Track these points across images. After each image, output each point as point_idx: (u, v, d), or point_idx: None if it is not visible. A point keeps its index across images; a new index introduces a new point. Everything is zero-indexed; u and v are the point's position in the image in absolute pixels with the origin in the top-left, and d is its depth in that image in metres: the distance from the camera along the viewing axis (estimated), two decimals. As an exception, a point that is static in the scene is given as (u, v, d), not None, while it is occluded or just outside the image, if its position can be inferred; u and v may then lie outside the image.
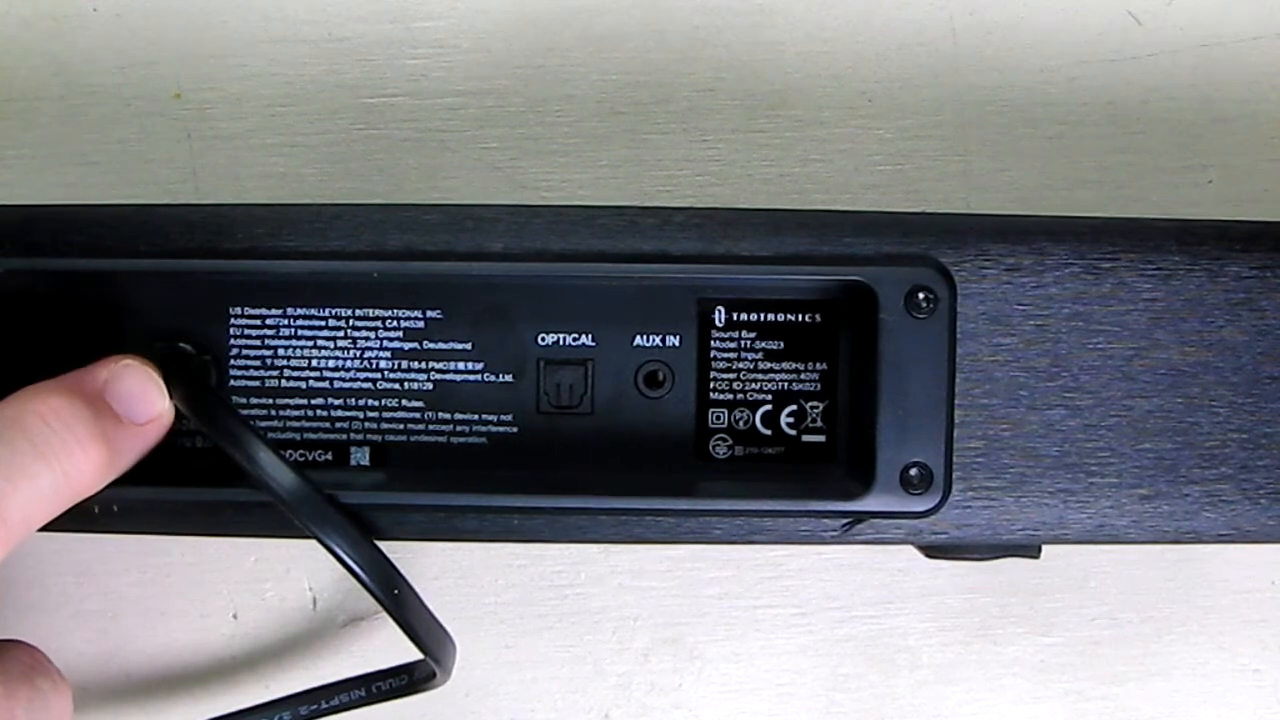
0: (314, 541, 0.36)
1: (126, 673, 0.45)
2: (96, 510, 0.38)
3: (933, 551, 0.39)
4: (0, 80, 0.45)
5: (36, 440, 0.34)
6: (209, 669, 0.45)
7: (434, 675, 0.39)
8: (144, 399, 0.36)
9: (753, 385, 0.40)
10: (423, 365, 0.39)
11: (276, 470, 0.36)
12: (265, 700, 0.40)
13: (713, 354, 0.40)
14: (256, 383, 0.39)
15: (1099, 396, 0.39)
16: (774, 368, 0.40)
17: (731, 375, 0.40)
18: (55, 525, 0.39)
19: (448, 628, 0.39)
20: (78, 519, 0.38)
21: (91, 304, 0.39)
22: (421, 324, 0.39)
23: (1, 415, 0.34)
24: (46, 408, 0.34)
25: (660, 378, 0.39)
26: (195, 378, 0.38)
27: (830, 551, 0.46)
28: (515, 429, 0.39)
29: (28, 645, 0.35)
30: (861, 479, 0.38)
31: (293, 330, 0.39)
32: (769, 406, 0.40)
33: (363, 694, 0.40)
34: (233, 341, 0.39)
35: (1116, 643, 0.46)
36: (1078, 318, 0.39)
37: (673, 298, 0.39)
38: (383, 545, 0.38)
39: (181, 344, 0.39)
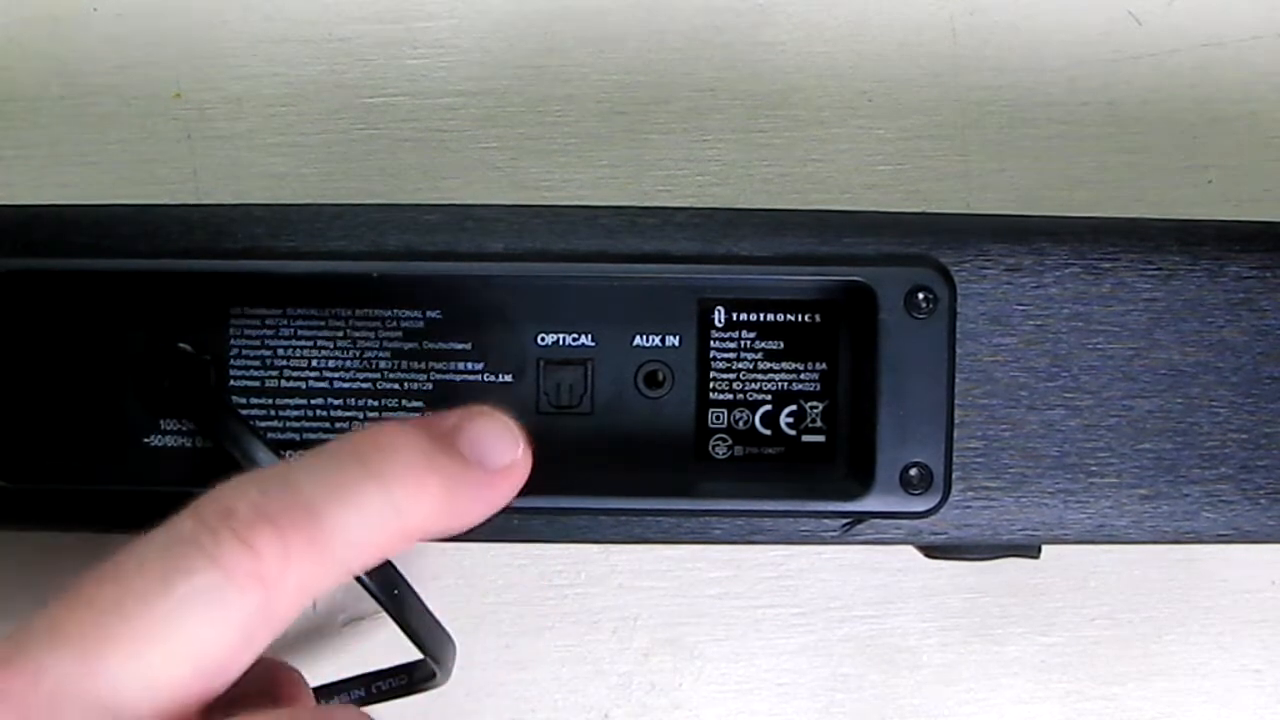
0: (314, 541, 0.36)
1: (126, 673, 0.45)
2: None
3: (932, 552, 0.39)
4: (0, 80, 0.45)
5: (368, 462, 0.30)
6: (209, 669, 0.45)
7: (434, 675, 0.39)
8: (496, 444, 0.32)
9: (752, 385, 0.40)
10: (423, 365, 0.39)
11: (276, 470, 0.36)
12: (265, 700, 0.40)
13: (712, 354, 0.40)
14: (256, 383, 0.39)
15: (1099, 397, 0.39)
16: (774, 368, 0.40)
17: (731, 375, 0.40)
18: (55, 525, 0.39)
19: (448, 628, 0.39)
20: (77, 519, 0.38)
21: (91, 304, 0.39)
22: (421, 324, 0.39)
23: (339, 440, 0.31)
24: (383, 435, 0.31)
25: (660, 378, 0.39)
26: (195, 378, 0.38)
27: (830, 551, 0.46)
28: (515, 429, 0.39)
29: (347, 710, 0.32)
30: (861, 479, 0.38)
31: (293, 330, 0.39)
32: (769, 406, 0.40)
33: (362, 694, 0.40)
34: (233, 341, 0.39)
35: (1116, 643, 0.46)
36: (1078, 318, 0.39)
37: (673, 298, 0.39)
38: (383, 545, 0.38)
39: (181, 344, 0.39)
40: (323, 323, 0.39)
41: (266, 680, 0.36)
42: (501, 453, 0.33)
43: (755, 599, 0.46)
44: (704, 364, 0.40)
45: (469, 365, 0.39)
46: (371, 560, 0.31)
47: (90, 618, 0.28)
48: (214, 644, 0.29)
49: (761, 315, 0.39)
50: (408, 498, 0.30)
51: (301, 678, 0.37)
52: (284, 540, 0.29)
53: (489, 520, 0.32)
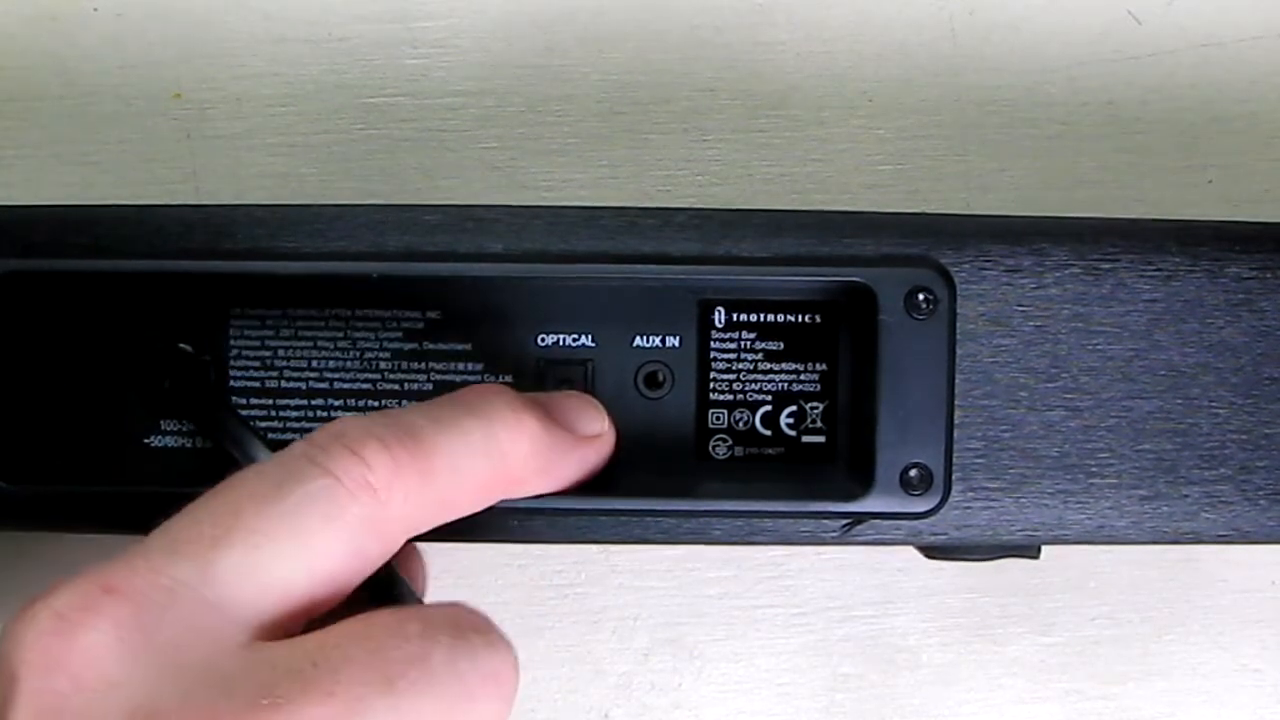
0: (314, 542, 0.36)
1: (127, 672, 0.45)
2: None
3: (932, 552, 0.39)
4: (0, 80, 0.45)
5: (469, 403, 0.33)
6: (209, 669, 0.45)
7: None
8: (583, 414, 0.36)
9: (753, 386, 0.40)
10: (422, 366, 0.39)
11: (276, 471, 0.36)
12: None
13: (713, 354, 0.40)
14: (256, 383, 0.39)
15: (1099, 397, 0.39)
16: (774, 368, 0.40)
17: (731, 376, 0.40)
18: (55, 525, 0.39)
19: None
20: (77, 519, 0.38)
21: (91, 304, 0.39)
22: (421, 324, 0.39)
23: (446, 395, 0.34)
24: (485, 387, 0.34)
25: (660, 378, 0.39)
26: (195, 378, 0.38)
27: (830, 551, 0.46)
28: (515, 429, 0.39)
29: (466, 606, 0.32)
30: (861, 480, 0.38)
31: (293, 330, 0.39)
32: (769, 407, 0.40)
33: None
34: (233, 342, 0.39)
35: (1116, 643, 0.46)
36: (1077, 319, 0.39)
37: (673, 298, 0.39)
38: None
39: (181, 344, 0.39)
40: (323, 323, 0.39)
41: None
42: (588, 423, 0.36)
43: (755, 599, 0.46)
44: (704, 364, 0.40)
45: (469, 366, 0.39)
46: (473, 498, 0.33)
47: (206, 526, 0.30)
48: (326, 547, 0.30)
49: (761, 316, 0.39)
50: (507, 433, 0.33)
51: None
52: (392, 455, 0.31)
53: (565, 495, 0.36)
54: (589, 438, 0.36)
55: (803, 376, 0.40)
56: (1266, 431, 0.39)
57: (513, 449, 0.33)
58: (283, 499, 0.30)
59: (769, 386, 0.40)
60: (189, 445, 0.39)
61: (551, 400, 0.36)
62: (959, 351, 0.38)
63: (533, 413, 0.34)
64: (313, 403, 0.39)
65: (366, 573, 0.31)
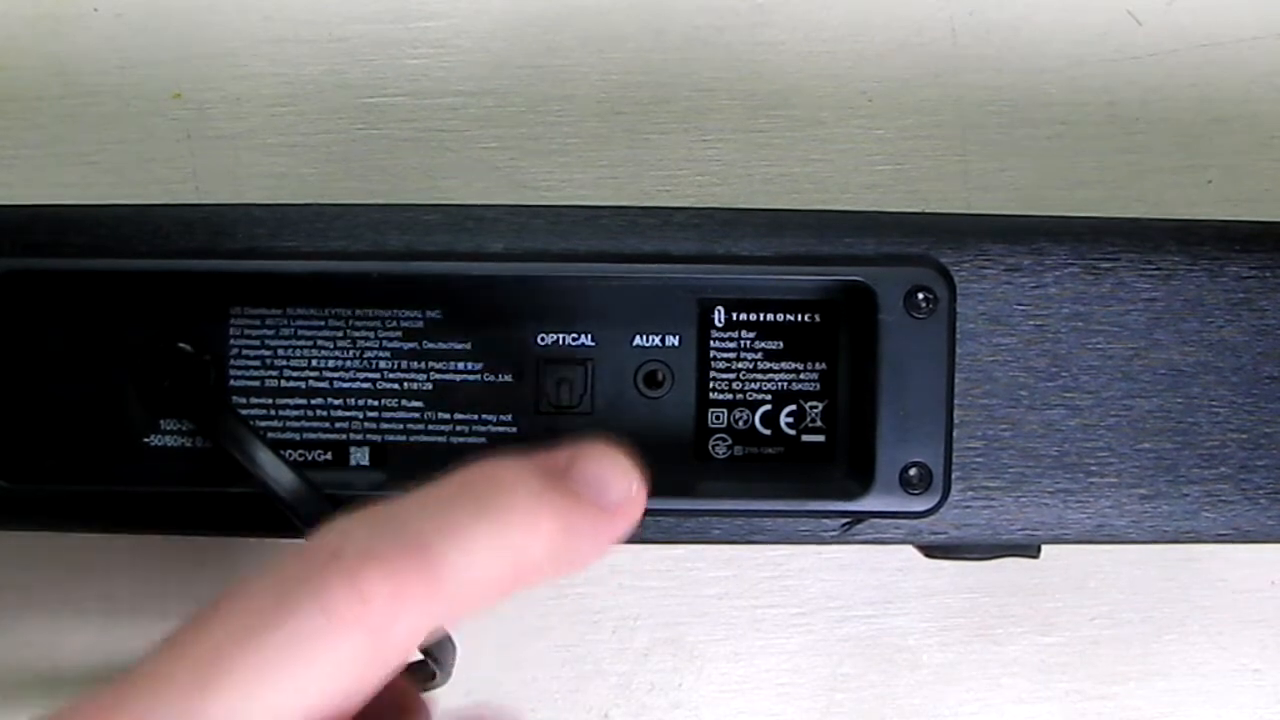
0: (314, 541, 0.36)
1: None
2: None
3: (932, 551, 0.39)
4: (0, 80, 0.45)
5: (481, 501, 0.30)
6: (209, 669, 0.45)
7: (434, 675, 0.39)
8: (610, 481, 0.32)
9: (752, 385, 0.40)
10: (422, 365, 0.39)
11: (276, 470, 0.36)
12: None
13: (712, 354, 0.40)
14: (256, 383, 0.39)
15: (1099, 396, 0.39)
16: (773, 368, 0.40)
17: (731, 375, 0.40)
18: (55, 525, 0.39)
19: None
20: (78, 519, 0.38)
21: (92, 304, 0.39)
22: (421, 324, 0.39)
23: (451, 477, 0.30)
24: (496, 472, 0.31)
25: (660, 378, 0.39)
26: (195, 378, 0.38)
27: (830, 551, 0.46)
28: (515, 429, 0.39)
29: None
30: (861, 479, 0.38)
31: (293, 330, 0.39)
32: (768, 406, 0.40)
33: (363, 694, 0.40)
34: (233, 341, 0.39)
35: (1116, 643, 0.46)
36: (1077, 318, 0.39)
37: (673, 298, 0.39)
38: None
39: (181, 344, 0.39)
40: (323, 323, 0.39)
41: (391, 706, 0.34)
42: (616, 490, 0.32)
43: (755, 599, 0.46)
44: (704, 364, 0.40)
45: (469, 365, 0.39)
46: (485, 600, 0.30)
47: (193, 663, 0.28)
48: (326, 681, 0.28)
49: (761, 315, 0.39)
50: (522, 538, 0.30)
51: (426, 709, 0.36)
52: (395, 580, 0.28)
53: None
54: (614, 508, 0.32)
55: (802, 376, 0.40)
56: (1266, 430, 0.39)
57: (528, 552, 0.30)
58: (274, 632, 0.28)
59: (769, 386, 0.40)
60: (189, 445, 0.39)
61: (576, 466, 0.32)
62: (959, 350, 0.38)
63: (553, 503, 0.31)
64: (312, 402, 0.39)
65: (376, 688, 0.29)
